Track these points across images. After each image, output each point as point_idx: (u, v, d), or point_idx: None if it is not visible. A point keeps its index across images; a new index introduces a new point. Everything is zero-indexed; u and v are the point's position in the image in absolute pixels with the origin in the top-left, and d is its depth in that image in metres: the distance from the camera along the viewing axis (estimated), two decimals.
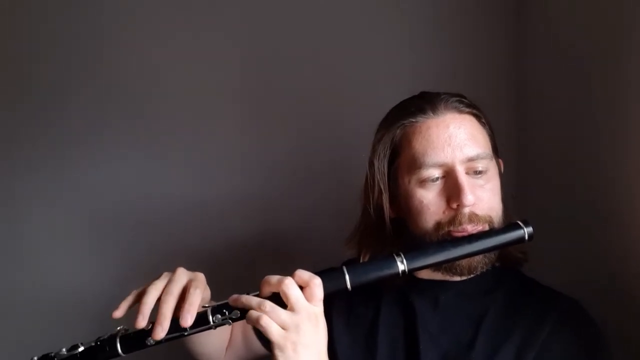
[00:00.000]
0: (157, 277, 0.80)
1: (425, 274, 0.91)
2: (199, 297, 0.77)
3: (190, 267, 0.85)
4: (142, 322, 0.74)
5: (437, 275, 0.89)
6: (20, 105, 1.50)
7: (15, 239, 1.53)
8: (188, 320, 0.75)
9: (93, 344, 0.78)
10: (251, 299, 0.75)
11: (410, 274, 0.87)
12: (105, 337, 0.79)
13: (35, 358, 0.79)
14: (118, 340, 0.78)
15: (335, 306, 0.94)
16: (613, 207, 1.00)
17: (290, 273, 0.77)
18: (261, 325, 0.72)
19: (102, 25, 1.49)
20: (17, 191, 1.52)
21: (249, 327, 1.00)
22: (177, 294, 0.77)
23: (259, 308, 0.73)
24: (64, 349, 0.78)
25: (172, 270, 0.81)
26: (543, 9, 1.30)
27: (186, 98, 1.50)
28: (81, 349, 0.77)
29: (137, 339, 0.77)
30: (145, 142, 1.52)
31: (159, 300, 0.77)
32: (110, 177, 1.51)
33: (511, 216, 0.88)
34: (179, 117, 1.51)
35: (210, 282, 0.87)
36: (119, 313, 0.78)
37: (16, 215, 1.53)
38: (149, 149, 1.52)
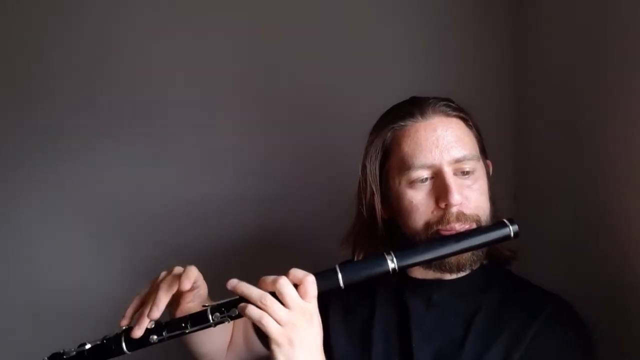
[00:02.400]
0: (155, 277, 0.85)
1: (418, 273, 0.94)
2: (195, 272, 0.85)
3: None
4: (138, 333, 0.81)
5: (430, 274, 0.92)
6: (20, 106, 1.53)
7: (16, 239, 1.56)
8: (186, 284, 0.83)
9: (99, 342, 0.83)
10: (252, 289, 0.78)
11: (403, 273, 0.90)
12: (111, 335, 0.83)
13: (46, 358, 0.84)
14: (123, 338, 0.82)
15: (332, 304, 0.97)
16: (613, 207, 1.00)
17: (287, 271, 0.80)
18: (262, 324, 0.75)
19: (102, 25, 1.52)
20: (17, 192, 1.55)
21: (250, 328, 1.04)
22: (173, 280, 0.84)
23: (260, 302, 0.76)
24: (72, 349, 0.82)
25: (169, 269, 0.87)
26: (543, 9, 1.30)
27: (187, 99, 1.52)
28: (88, 346, 0.82)
29: (141, 337, 0.81)
30: (146, 142, 1.54)
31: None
32: (110, 178, 1.54)
33: (500, 216, 0.90)
34: (180, 117, 1.53)
35: (211, 282, 0.91)
36: (125, 322, 0.85)
37: (17, 217, 1.55)
38: (149, 148, 1.54)
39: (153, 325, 0.82)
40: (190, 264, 0.88)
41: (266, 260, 1.45)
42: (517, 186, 1.42)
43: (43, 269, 1.55)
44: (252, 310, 0.76)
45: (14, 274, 1.56)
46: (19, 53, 1.53)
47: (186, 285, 0.84)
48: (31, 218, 1.56)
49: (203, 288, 0.91)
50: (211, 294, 0.93)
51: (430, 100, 0.91)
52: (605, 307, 0.99)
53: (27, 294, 1.56)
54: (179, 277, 0.84)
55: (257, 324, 0.76)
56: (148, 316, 0.81)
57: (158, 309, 0.81)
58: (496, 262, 0.94)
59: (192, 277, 0.85)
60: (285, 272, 0.80)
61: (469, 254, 0.85)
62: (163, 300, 0.82)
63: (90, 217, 1.55)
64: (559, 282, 0.93)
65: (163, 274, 0.86)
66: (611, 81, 1.00)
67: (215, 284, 0.91)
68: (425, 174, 0.87)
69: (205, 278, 0.91)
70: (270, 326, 0.75)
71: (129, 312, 0.86)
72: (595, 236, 1.06)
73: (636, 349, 0.94)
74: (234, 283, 0.79)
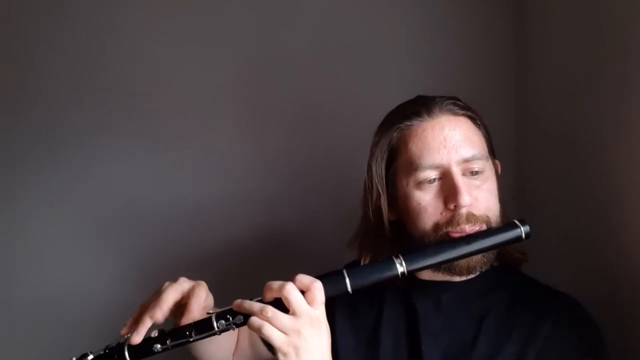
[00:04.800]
0: (158, 288, 0.82)
1: (426, 275, 0.92)
2: (203, 295, 0.82)
3: (193, 270, 0.87)
4: (136, 339, 0.78)
5: (438, 276, 0.90)
6: (21, 107, 1.52)
7: (18, 243, 1.54)
8: (195, 310, 0.80)
9: (102, 352, 0.80)
10: (253, 305, 0.76)
11: (411, 275, 0.88)
12: (114, 345, 0.81)
13: None
14: (126, 348, 0.80)
15: (338, 307, 0.95)
16: (613, 207, 1.00)
17: (294, 277, 0.79)
18: (263, 333, 0.74)
19: (102, 26, 1.50)
20: (17, 195, 1.53)
21: (255, 334, 1.02)
22: (180, 290, 0.81)
23: (261, 314, 0.74)
24: (73, 358, 0.80)
25: (174, 280, 0.83)
26: (545, 9, 1.30)
27: (189, 100, 1.51)
28: (90, 357, 0.80)
29: (144, 346, 0.79)
30: (147, 144, 1.53)
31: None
32: (111, 180, 1.53)
33: (509, 216, 0.89)
34: (182, 120, 1.52)
35: (213, 285, 0.88)
36: (125, 331, 0.81)
37: (20, 220, 1.54)
38: (150, 151, 1.53)
39: (157, 334, 0.80)
40: (194, 266, 0.86)
41: (270, 262, 1.44)
42: (517, 186, 1.42)
43: (46, 273, 1.54)
44: (253, 321, 0.75)
45: (16, 277, 1.55)
46: (23, 52, 1.52)
47: (195, 310, 0.81)
48: (34, 221, 1.54)
49: (209, 300, 0.87)
50: (214, 296, 0.90)
51: (437, 99, 0.89)
52: (606, 307, 0.98)
53: (29, 298, 1.54)
54: (184, 290, 0.81)
55: (260, 334, 0.74)
56: (150, 317, 0.77)
57: (162, 312, 0.77)
58: (507, 264, 0.93)
59: (201, 300, 0.82)
60: (291, 277, 0.78)
61: (480, 256, 0.84)
62: (167, 303, 0.79)
63: (93, 220, 1.54)
64: (558, 282, 0.92)
65: (167, 284, 0.83)
66: (612, 82, 0.99)
67: (219, 287, 0.90)
68: (433, 174, 0.85)
69: (208, 281, 0.88)
70: (274, 335, 0.73)
71: (130, 321, 0.82)
72: (595, 235, 1.06)
73: (637, 348, 0.93)
74: (237, 302, 0.78)
